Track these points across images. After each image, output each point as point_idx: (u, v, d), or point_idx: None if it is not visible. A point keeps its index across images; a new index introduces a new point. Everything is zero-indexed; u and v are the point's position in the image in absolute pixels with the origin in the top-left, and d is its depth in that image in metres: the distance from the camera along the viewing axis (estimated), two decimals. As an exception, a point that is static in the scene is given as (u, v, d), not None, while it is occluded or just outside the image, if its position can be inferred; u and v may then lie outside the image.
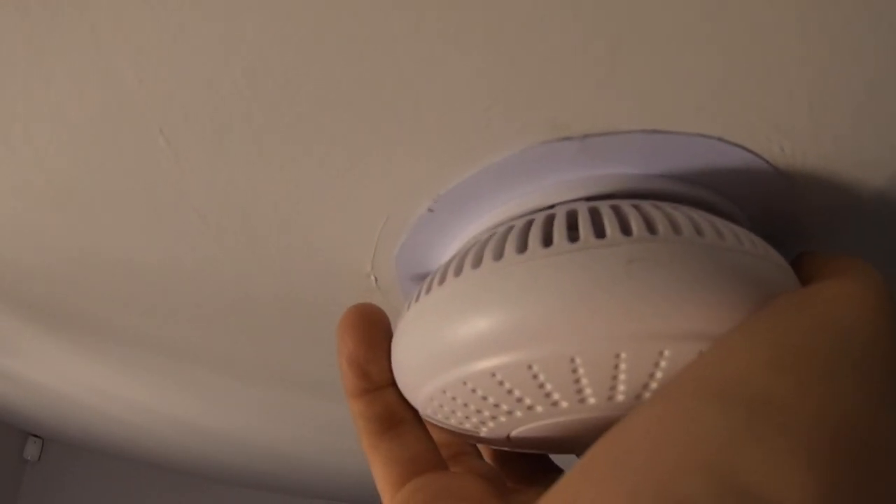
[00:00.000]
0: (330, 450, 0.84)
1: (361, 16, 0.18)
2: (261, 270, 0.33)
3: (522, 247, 0.19)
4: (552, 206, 0.22)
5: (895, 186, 0.23)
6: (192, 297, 0.39)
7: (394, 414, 0.22)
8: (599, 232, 0.19)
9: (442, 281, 0.20)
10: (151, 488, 1.87)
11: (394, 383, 0.22)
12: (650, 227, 0.19)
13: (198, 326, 0.44)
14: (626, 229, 0.19)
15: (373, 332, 0.22)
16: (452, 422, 0.21)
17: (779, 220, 0.25)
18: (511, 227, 0.21)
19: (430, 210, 0.24)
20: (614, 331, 0.17)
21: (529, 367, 0.18)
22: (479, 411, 0.20)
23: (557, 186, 0.22)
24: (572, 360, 0.18)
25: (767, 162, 0.21)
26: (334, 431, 0.72)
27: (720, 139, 0.21)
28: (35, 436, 1.91)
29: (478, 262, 0.20)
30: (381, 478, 0.22)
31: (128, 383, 0.71)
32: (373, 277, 0.30)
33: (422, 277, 0.28)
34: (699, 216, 0.20)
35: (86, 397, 0.91)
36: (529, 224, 0.20)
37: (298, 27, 0.18)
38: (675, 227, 0.19)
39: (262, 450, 0.99)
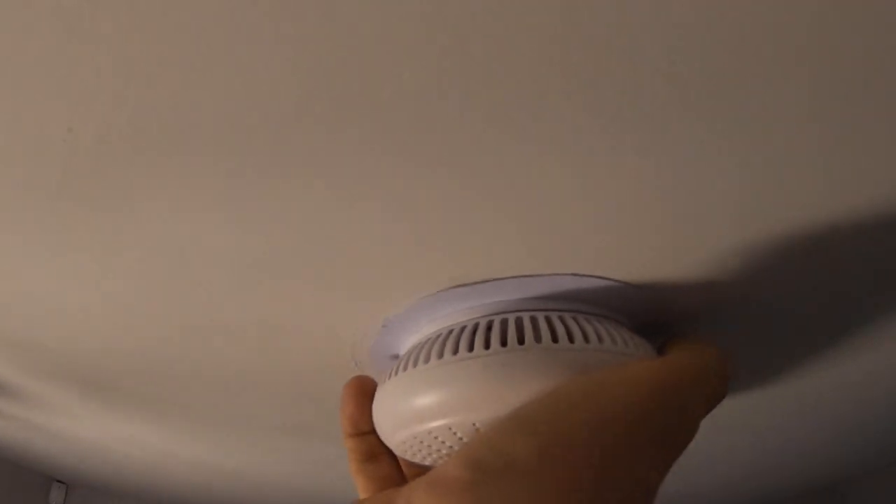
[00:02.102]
0: (321, 479, 0.98)
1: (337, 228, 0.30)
2: (275, 363, 0.45)
3: (450, 351, 0.30)
4: (465, 323, 0.32)
5: (717, 288, 0.34)
6: (219, 380, 0.51)
7: (374, 450, 0.33)
8: (487, 344, 0.29)
9: (399, 371, 0.31)
10: None
11: (375, 431, 0.33)
12: (520, 339, 0.29)
13: (221, 396, 0.57)
14: (503, 341, 0.29)
15: (363, 397, 0.34)
16: (416, 459, 0.32)
17: (652, 316, 0.35)
18: (439, 336, 0.32)
19: (384, 326, 0.36)
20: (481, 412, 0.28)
21: (450, 427, 0.29)
22: (428, 452, 0.31)
23: (464, 311, 0.33)
24: (473, 424, 0.29)
25: (618, 281, 0.32)
26: (323, 466, 0.85)
27: (574, 274, 0.32)
28: (59, 481, 1.98)
29: (418, 362, 0.31)
30: (363, 491, 0.33)
31: (155, 434, 0.82)
32: (354, 363, 0.42)
33: (390, 360, 0.40)
34: (577, 324, 0.30)
35: (112, 445, 1.01)
36: (447, 336, 0.31)
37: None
38: (554, 336, 0.29)
39: (271, 484, 1.11)
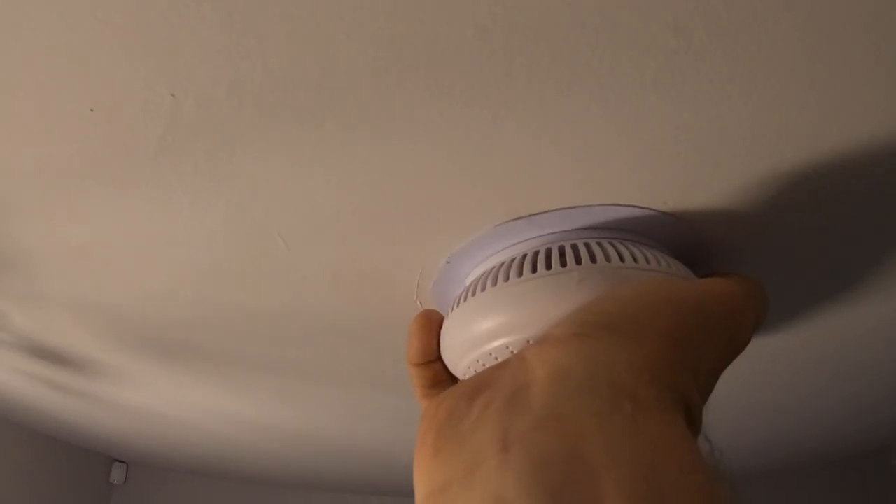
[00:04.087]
0: (397, 440, 1.00)
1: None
2: (348, 306, 0.49)
3: (518, 273, 0.33)
4: (515, 255, 0.35)
5: (754, 221, 0.37)
6: (295, 328, 0.56)
7: (439, 376, 0.36)
8: (563, 263, 0.32)
9: (465, 299, 0.34)
10: (230, 501, 2.01)
11: (440, 359, 0.35)
12: (592, 258, 0.32)
13: (296, 348, 0.61)
14: (577, 259, 0.32)
15: (431, 327, 0.36)
16: None
17: (691, 248, 0.39)
18: (503, 263, 0.34)
19: (448, 262, 0.40)
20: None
21: (508, 346, 0.31)
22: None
23: (516, 244, 0.37)
24: (528, 341, 0.32)
25: (656, 210, 0.35)
26: (398, 421, 0.89)
27: (613, 204, 0.35)
28: (120, 461, 2.06)
29: (476, 291, 0.33)
30: None
31: (226, 398, 0.87)
32: (418, 303, 0.46)
33: (448, 300, 0.44)
34: (626, 248, 0.33)
35: (176, 413, 1.04)
36: (514, 260, 0.34)
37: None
38: (607, 257, 0.32)
39: (339, 448, 1.15)
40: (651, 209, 0.35)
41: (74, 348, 0.72)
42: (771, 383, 0.72)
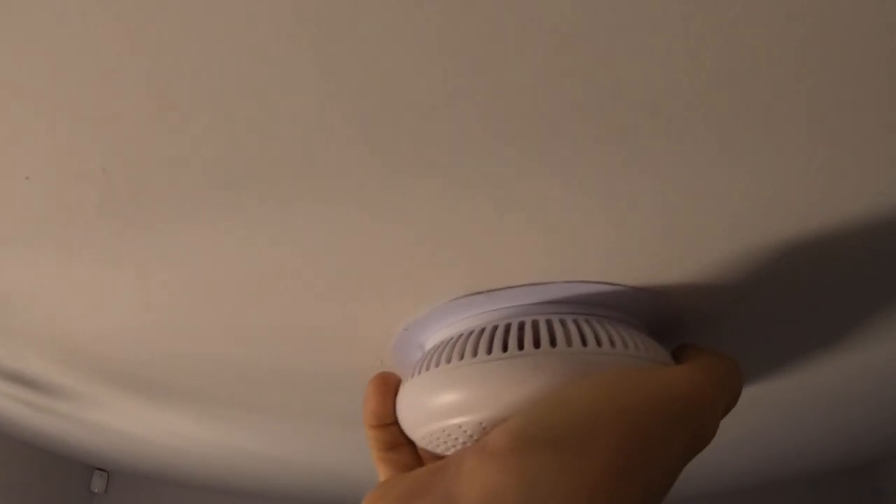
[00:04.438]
0: (353, 464, 1.01)
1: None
2: (307, 361, 0.47)
3: (473, 352, 0.31)
4: (485, 325, 0.33)
5: (718, 293, 0.35)
6: (254, 374, 0.53)
7: (396, 440, 0.35)
8: (520, 345, 0.30)
9: (420, 372, 0.33)
10: None
11: (397, 422, 0.34)
12: (551, 340, 0.30)
13: (259, 389, 0.59)
14: (536, 342, 0.30)
15: (386, 391, 0.35)
16: (438, 450, 0.33)
17: (664, 320, 0.36)
18: (461, 336, 0.33)
19: (405, 329, 0.37)
20: (506, 410, 0.30)
21: (473, 422, 0.30)
22: (453, 444, 0.32)
23: (482, 315, 0.35)
24: (495, 420, 0.30)
25: (626, 286, 0.33)
26: (352, 450, 0.88)
27: (583, 281, 0.33)
28: (101, 469, 2.04)
29: (440, 362, 0.32)
30: (384, 477, 0.34)
31: (191, 426, 0.86)
32: (380, 362, 0.44)
33: (409, 361, 0.42)
34: (590, 327, 0.31)
35: (153, 436, 1.04)
36: (472, 335, 0.32)
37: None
38: (568, 340, 0.30)
39: (309, 470, 1.15)
40: (620, 285, 0.33)
41: (49, 377, 0.71)
42: (748, 423, 0.71)
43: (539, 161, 0.25)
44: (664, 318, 0.36)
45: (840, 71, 0.21)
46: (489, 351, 0.31)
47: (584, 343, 0.30)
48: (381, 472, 0.35)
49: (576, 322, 0.32)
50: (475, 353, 0.31)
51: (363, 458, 0.93)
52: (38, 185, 0.30)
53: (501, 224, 0.29)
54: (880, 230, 0.30)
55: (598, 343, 0.30)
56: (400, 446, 0.35)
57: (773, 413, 0.68)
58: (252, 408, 0.69)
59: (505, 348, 0.30)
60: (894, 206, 0.28)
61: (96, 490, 2.02)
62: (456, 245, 0.31)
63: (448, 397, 0.31)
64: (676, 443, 0.26)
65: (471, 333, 0.33)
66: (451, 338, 0.34)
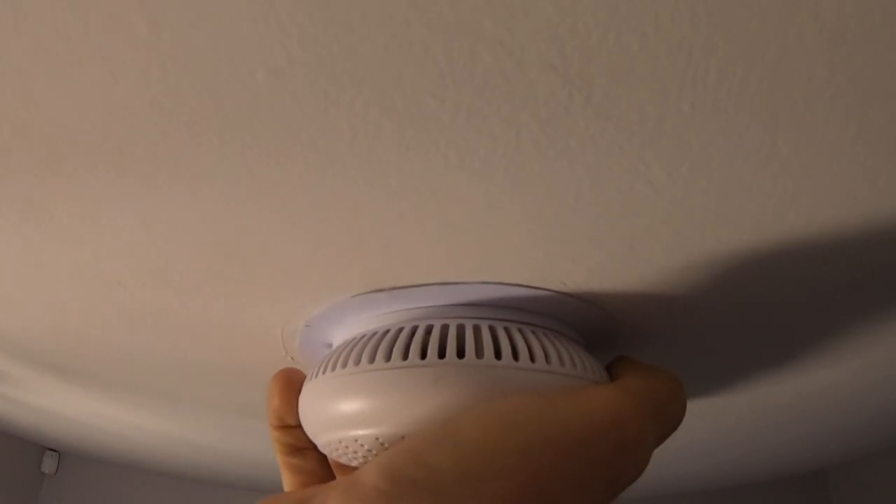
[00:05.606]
0: (270, 453, 1.01)
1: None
2: (214, 353, 0.44)
3: (370, 358, 0.28)
4: (401, 325, 0.29)
5: (650, 303, 0.33)
6: (165, 365, 0.50)
7: (299, 444, 0.31)
8: (423, 353, 0.27)
9: (326, 370, 0.29)
10: (160, 494, 1.96)
11: (300, 425, 0.31)
12: (459, 350, 0.26)
13: (171, 379, 0.56)
14: (441, 352, 0.26)
15: (289, 390, 0.31)
16: (342, 460, 0.30)
17: (596, 324, 0.33)
18: (362, 338, 0.29)
19: (307, 325, 0.34)
20: (404, 427, 0.26)
21: (377, 437, 0.26)
22: (354, 455, 0.28)
23: (392, 314, 0.31)
24: (402, 437, 0.26)
25: (552, 291, 0.30)
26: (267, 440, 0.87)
27: (500, 283, 0.29)
28: (52, 450, 2.00)
29: (347, 363, 0.28)
30: (288, 484, 0.32)
31: (122, 410, 0.83)
32: (290, 357, 0.41)
33: (323, 351, 0.39)
34: (506, 334, 0.27)
35: (95, 421, 1.02)
36: (374, 338, 0.29)
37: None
38: (478, 350, 0.26)
39: (234, 456, 1.13)
40: (545, 289, 0.30)
41: None
42: (696, 433, 0.69)
43: (419, 143, 0.22)
44: (598, 328, 0.33)
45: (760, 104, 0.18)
46: (388, 358, 0.27)
47: (499, 356, 0.27)
48: (284, 479, 0.32)
49: (492, 330, 0.28)
50: (372, 360, 0.28)
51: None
52: None
53: (397, 216, 0.26)
54: (838, 248, 0.27)
55: (515, 356, 0.27)
56: (304, 451, 0.32)
57: (720, 425, 0.66)
58: (171, 397, 0.66)
59: (405, 356, 0.27)
60: (854, 223, 0.26)
61: (47, 471, 1.99)
62: (344, 238, 0.28)
63: (342, 406, 0.28)
64: (595, 484, 0.22)
65: (373, 335, 0.30)
66: (355, 338, 0.31)
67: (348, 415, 0.28)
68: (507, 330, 0.28)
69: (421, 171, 0.23)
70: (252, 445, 0.92)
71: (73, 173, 0.25)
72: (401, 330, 0.29)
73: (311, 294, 0.32)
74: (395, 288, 0.30)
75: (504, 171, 0.23)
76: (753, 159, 0.22)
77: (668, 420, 0.26)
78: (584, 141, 0.21)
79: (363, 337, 0.30)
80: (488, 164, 0.22)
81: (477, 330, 0.28)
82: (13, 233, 0.31)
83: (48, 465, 1.99)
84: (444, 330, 0.28)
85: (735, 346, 0.39)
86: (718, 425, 0.66)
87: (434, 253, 0.28)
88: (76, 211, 0.28)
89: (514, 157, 0.22)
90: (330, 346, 0.37)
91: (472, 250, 0.28)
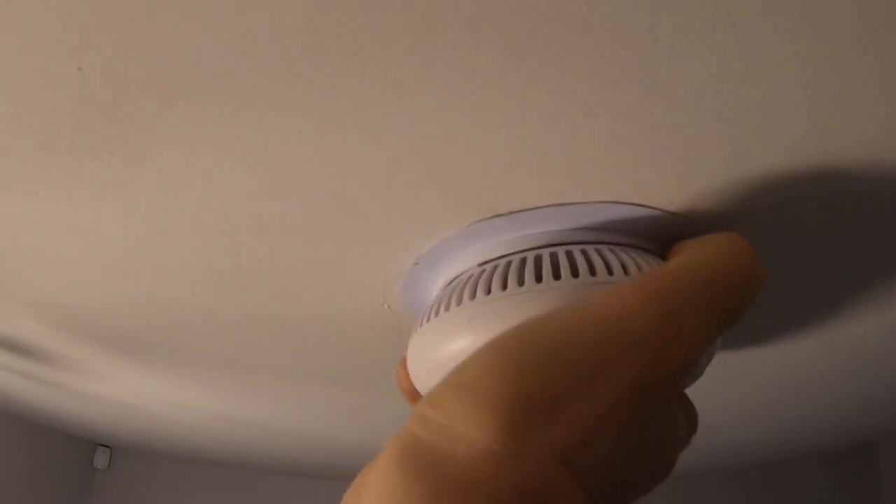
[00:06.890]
0: (344, 430, 0.98)
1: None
2: (307, 308, 0.46)
3: (483, 290, 0.29)
4: (496, 261, 0.31)
5: (755, 213, 0.33)
6: (251, 329, 0.52)
7: None
8: (521, 281, 0.28)
9: (432, 316, 0.30)
10: (213, 485, 1.99)
11: None
12: (555, 274, 0.28)
13: (252, 346, 0.58)
14: (538, 277, 0.28)
15: None
16: None
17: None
18: (471, 276, 0.30)
19: (416, 264, 0.36)
20: None
21: None
22: None
23: (494, 246, 0.33)
24: None
25: (661, 210, 0.31)
26: (345, 414, 0.86)
27: (601, 202, 0.31)
28: (104, 445, 2.04)
29: (450, 305, 0.29)
30: None
31: (187, 391, 0.84)
32: (386, 306, 0.43)
33: (420, 303, 0.41)
34: (611, 256, 0.28)
35: (148, 406, 1.03)
36: (479, 275, 0.30)
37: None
38: (574, 272, 0.27)
39: (294, 436, 1.13)
40: (655, 208, 0.31)
41: (36, 340, 0.69)
42: (739, 389, 0.69)
43: (532, 76, 0.24)
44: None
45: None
46: (504, 286, 0.28)
47: (611, 272, 0.28)
48: None
49: (599, 252, 0.29)
50: (489, 290, 0.28)
51: (353, 423, 0.92)
52: (5, 100, 0.28)
53: (503, 145, 0.28)
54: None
55: (626, 272, 0.28)
56: None
57: (751, 385, 0.67)
58: (247, 368, 0.67)
59: (521, 282, 0.28)
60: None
61: (99, 466, 2.01)
62: (460, 167, 0.29)
63: (464, 341, 0.28)
64: (618, 379, 0.20)
65: (482, 271, 0.30)
66: (463, 277, 0.31)
67: (463, 351, 0.28)
68: (599, 252, 0.29)
69: (527, 104, 0.25)
70: (331, 419, 0.92)
71: (190, 106, 0.27)
72: (511, 262, 0.30)
73: (423, 228, 0.34)
74: (513, 212, 0.32)
75: (639, 79, 0.25)
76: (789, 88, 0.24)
77: (728, 284, 0.23)
78: (713, 48, 0.23)
79: (471, 275, 0.31)
80: (626, 73, 0.24)
81: (569, 254, 0.29)
82: (111, 180, 0.33)
83: (100, 460, 2.01)
84: (538, 260, 0.29)
85: (826, 270, 0.40)
86: (773, 376, 0.66)
87: (531, 181, 0.30)
88: (185, 148, 0.30)
89: (648, 64, 0.24)
90: (433, 291, 0.38)
91: (565, 176, 0.30)
